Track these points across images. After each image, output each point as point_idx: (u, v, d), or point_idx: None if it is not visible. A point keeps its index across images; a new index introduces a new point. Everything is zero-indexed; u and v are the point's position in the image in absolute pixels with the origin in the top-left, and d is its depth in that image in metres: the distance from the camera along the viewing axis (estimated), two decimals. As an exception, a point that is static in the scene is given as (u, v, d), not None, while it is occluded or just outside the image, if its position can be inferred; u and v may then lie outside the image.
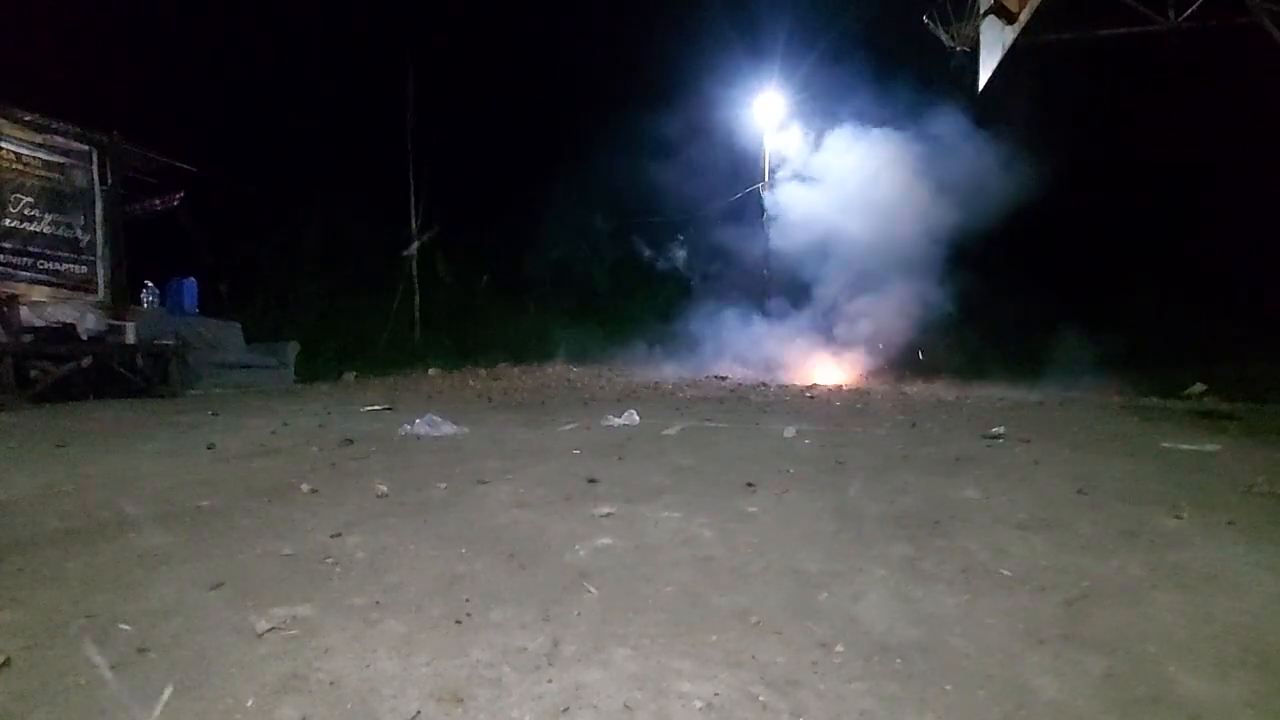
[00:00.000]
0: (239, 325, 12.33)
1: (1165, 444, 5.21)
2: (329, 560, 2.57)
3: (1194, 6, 8.02)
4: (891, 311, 13.99)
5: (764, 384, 11.74)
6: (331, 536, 2.86)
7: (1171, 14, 8.19)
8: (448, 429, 5.81)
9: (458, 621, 2.04)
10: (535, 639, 1.92)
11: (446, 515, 3.24)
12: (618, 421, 6.41)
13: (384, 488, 3.70)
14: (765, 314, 16.37)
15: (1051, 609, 2.14)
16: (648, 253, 19.46)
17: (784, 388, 11.23)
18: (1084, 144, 13.47)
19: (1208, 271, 12.78)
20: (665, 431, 6.04)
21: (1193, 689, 1.67)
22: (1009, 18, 8.16)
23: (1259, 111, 10.65)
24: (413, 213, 18.86)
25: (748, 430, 6.27)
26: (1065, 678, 1.72)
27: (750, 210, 17.10)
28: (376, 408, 7.68)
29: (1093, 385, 10.57)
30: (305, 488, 3.74)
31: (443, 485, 3.84)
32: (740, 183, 17.33)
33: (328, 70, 17.79)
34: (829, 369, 13.69)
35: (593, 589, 2.29)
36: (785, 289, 16.42)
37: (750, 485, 3.84)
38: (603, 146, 18.13)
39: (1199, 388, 9.22)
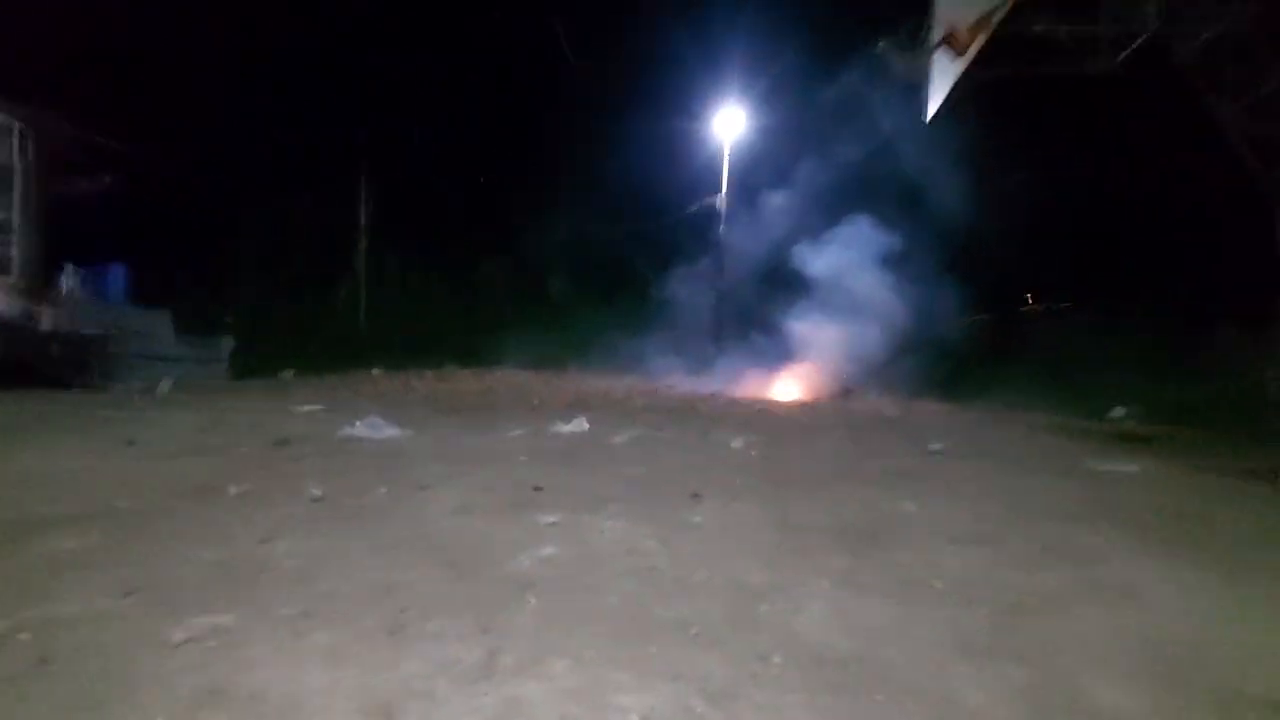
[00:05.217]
0: (170, 315, 11.70)
1: (1089, 464, 5.48)
2: (255, 567, 2.46)
3: (1129, 51, 8.63)
4: (838, 330, 14.34)
5: (715, 396, 11.85)
6: (260, 542, 2.73)
7: (1105, 58, 8.78)
8: (390, 431, 5.65)
9: (391, 633, 1.98)
10: (472, 651, 1.88)
11: (385, 521, 3.14)
12: (566, 428, 6.36)
13: (319, 491, 3.56)
14: (719, 326, 16.57)
15: (980, 621, 2.22)
16: (604, 259, 19.43)
17: (734, 400, 11.36)
18: (1017, 170, 14.17)
19: (1128, 299, 13.62)
20: (614, 440, 6.02)
21: (1103, 698, 1.76)
22: (959, 48, 8.55)
23: (1184, 145, 11.40)
24: (361, 207, 18.34)
25: (696, 441, 6.31)
26: (989, 689, 1.79)
27: (709, 220, 17.30)
28: (315, 407, 7.40)
29: (1022, 406, 11.07)
30: (233, 490, 3.57)
31: (382, 490, 3.72)
32: (700, 192, 17.52)
33: (279, 56, 17.18)
34: (779, 384, 13.92)
35: (534, 599, 2.26)
36: (740, 301, 16.68)
37: (696, 495, 3.86)
38: (562, 150, 18.06)
39: (1120, 411, 9.75)
